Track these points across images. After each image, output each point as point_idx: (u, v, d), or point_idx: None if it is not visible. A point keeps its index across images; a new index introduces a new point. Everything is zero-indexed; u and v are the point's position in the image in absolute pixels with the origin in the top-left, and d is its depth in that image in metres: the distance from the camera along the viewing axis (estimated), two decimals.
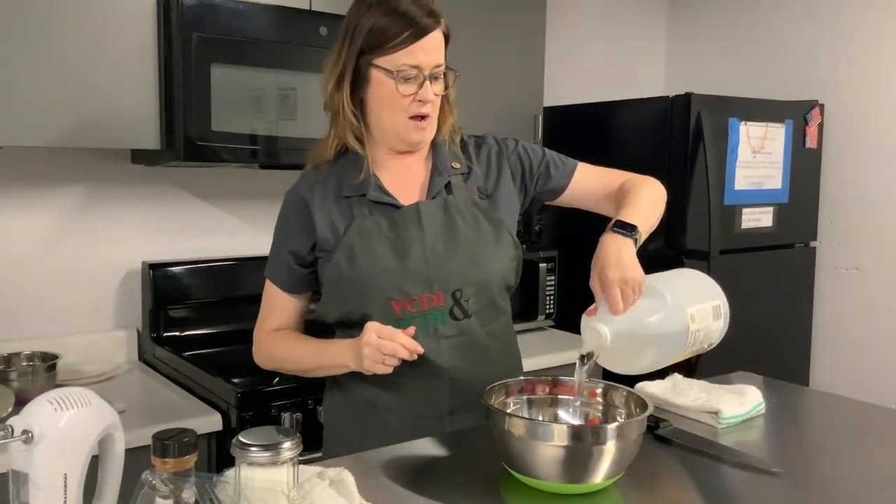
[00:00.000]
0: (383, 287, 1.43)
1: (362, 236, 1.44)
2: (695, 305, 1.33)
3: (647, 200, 1.50)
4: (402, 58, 1.38)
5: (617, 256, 1.31)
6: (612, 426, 1.13)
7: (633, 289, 1.29)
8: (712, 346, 1.40)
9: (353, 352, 1.38)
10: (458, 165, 1.53)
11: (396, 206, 1.46)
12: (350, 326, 1.48)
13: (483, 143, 1.60)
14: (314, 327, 1.58)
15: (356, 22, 1.42)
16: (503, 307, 1.55)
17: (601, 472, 1.12)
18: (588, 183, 1.61)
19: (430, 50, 1.40)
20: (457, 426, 1.45)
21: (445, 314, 1.45)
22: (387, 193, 1.47)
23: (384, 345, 1.32)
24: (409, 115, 1.42)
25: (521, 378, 1.36)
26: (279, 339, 1.55)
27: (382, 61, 1.40)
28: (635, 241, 1.38)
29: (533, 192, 1.59)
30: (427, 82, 1.40)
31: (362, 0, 1.43)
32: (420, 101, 1.41)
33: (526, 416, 1.31)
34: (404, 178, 1.51)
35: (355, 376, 1.46)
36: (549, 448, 1.11)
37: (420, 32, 1.38)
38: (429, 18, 1.39)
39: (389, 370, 1.34)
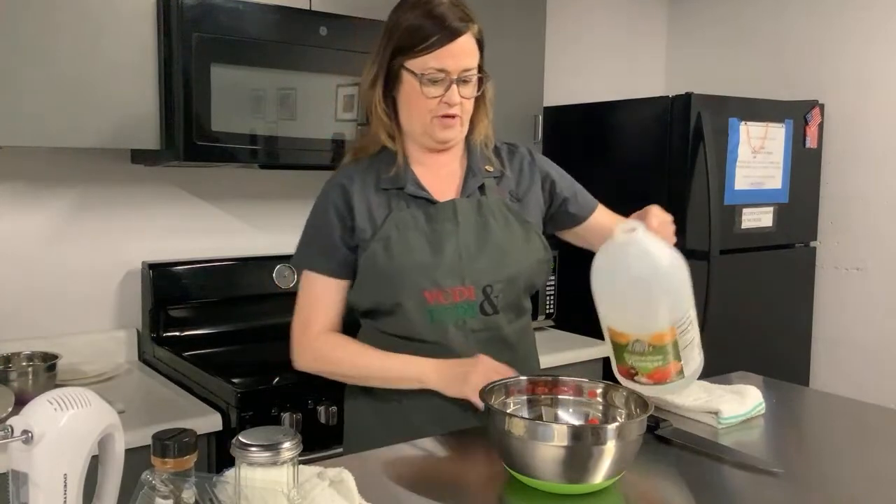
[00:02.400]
0: (417, 278, 1.46)
1: (399, 228, 1.48)
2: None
3: None
4: (429, 61, 1.42)
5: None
6: (612, 426, 1.13)
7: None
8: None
9: (438, 373, 1.43)
10: (491, 168, 1.58)
11: (432, 202, 1.51)
12: (380, 315, 1.52)
13: (516, 150, 1.65)
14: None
15: (393, 22, 1.47)
16: (526, 306, 1.61)
17: (601, 472, 1.12)
18: (606, 221, 1.67)
19: (457, 55, 1.43)
20: (479, 422, 1.45)
21: (476, 308, 1.50)
22: (423, 188, 1.52)
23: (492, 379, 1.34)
24: (435, 115, 1.47)
25: (522, 378, 1.36)
26: (339, 343, 1.53)
27: (411, 64, 1.44)
28: None
29: (554, 209, 1.65)
30: (454, 86, 1.44)
31: (404, 1, 1.48)
32: (446, 103, 1.45)
33: (526, 416, 1.31)
34: (439, 176, 1.55)
35: None
36: (550, 448, 1.11)
37: (448, 38, 1.42)
38: (460, 23, 1.43)
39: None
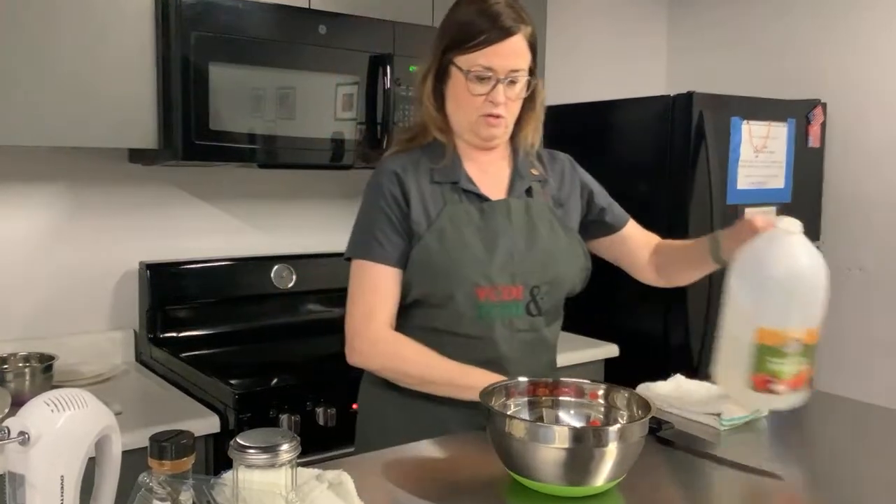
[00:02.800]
0: (471, 273, 1.47)
1: (453, 222, 1.49)
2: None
3: None
4: (477, 59, 1.44)
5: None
6: (613, 428, 1.13)
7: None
8: None
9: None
10: (536, 172, 1.60)
11: (485, 198, 1.53)
12: (428, 308, 1.51)
13: (556, 157, 1.68)
14: None
15: (449, 18, 1.50)
16: (561, 311, 1.63)
17: (603, 474, 1.11)
18: (636, 235, 1.74)
19: (506, 55, 1.44)
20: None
21: (522, 308, 1.52)
22: (475, 185, 1.54)
23: None
24: (480, 113, 1.48)
25: (522, 379, 1.35)
26: (409, 341, 1.49)
27: (460, 60, 1.46)
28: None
29: (591, 218, 1.68)
30: (500, 85, 1.45)
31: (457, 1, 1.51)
32: (491, 102, 1.46)
33: (527, 418, 1.30)
34: (487, 175, 1.57)
35: None
36: (550, 450, 1.10)
37: (498, 37, 1.42)
38: (512, 24, 1.43)
39: None
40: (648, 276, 1.73)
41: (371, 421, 1.62)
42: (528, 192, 1.57)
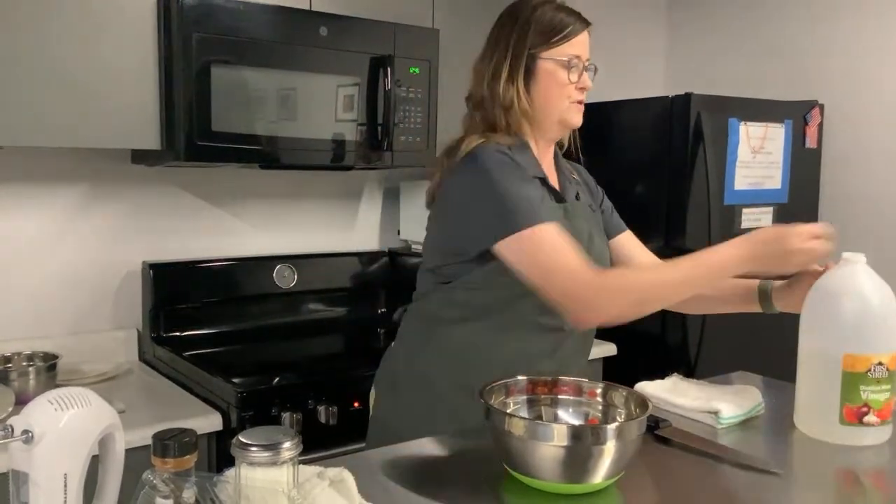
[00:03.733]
0: None
1: (552, 217, 1.49)
2: None
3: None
4: (569, 48, 1.55)
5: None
6: (611, 426, 1.13)
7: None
8: None
9: (754, 259, 1.47)
10: (576, 177, 1.71)
11: (562, 199, 1.59)
12: (509, 299, 1.51)
13: (577, 165, 1.77)
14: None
15: (523, 20, 1.56)
16: None
17: (601, 472, 1.12)
18: (629, 245, 1.76)
19: (584, 44, 1.58)
20: None
21: None
22: (552, 186, 1.59)
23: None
24: (571, 100, 1.58)
25: (521, 378, 1.36)
26: (629, 270, 1.59)
27: (553, 53, 1.54)
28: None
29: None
30: (585, 72, 1.58)
31: (526, 1, 1.58)
32: (581, 88, 1.57)
33: (525, 416, 1.31)
34: (552, 175, 1.63)
35: (468, 355, 1.53)
36: (549, 448, 1.11)
37: (582, 26, 1.57)
38: (583, 19, 1.58)
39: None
40: None
41: (401, 415, 1.60)
42: (577, 196, 1.65)
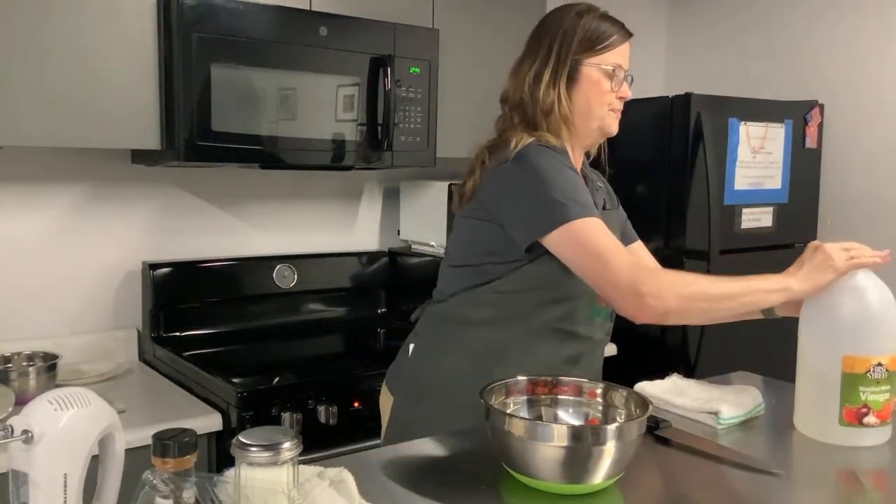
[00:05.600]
0: None
1: None
2: None
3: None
4: (612, 57, 1.57)
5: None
6: (611, 427, 1.13)
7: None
8: None
9: (798, 277, 1.41)
10: (601, 185, 1.74)
11: (602, 207, 1.63)
12: (540, 303, 1.52)
13: (599, 174, 1.80)
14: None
15: (568, 27, 1.57)
16: None
17: (601, 472, 1.12)
18: (644, 253, 1.78)
19: (627, 54, 1.60)
20: None
21: (608, 313, 1.61)
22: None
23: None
24: (610, 108, 1.60)
25: (521, 378, 1.36)
26: (680, 272, 1.51)
27: (597, 60, 1.56)
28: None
29: None
30: (625, 81, 1.60)
31: (569, 8, 1.59)
32: (621, 97, 1.59)
33: (525, 416, 1.31)
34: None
35: (495, 359, 1.53)
36: (549, 448, 1.11)
37: (625, 36, 1.59)
38: (626, 28, 1.60)
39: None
40: None
41: (404, 427, 1.59)
42: (604, 205, 1.67)
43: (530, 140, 1.51)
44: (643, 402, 1.23)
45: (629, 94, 1.60)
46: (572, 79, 1.57)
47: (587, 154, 1.70)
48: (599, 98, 1.58)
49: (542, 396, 1.34)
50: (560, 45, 1.56)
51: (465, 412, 1.46)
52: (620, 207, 1.80)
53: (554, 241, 1.43)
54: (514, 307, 1.53)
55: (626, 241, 1.71)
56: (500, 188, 1.51)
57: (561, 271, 1.47)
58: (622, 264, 1.39)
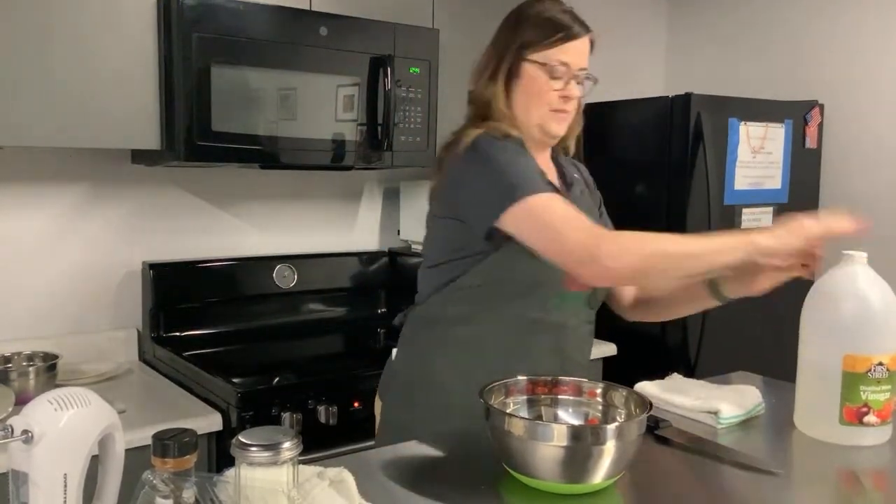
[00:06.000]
0: None
1: None
2: None
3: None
4: (555, 54, 1.51)
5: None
6: (611, 426, 1.13)
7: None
8: None
9: (764, 234, 1.40)
10: (577, 176, 1.68)
11: (562, 193, 1.54)
12: (512, 291, 1.50)
13: (579, 164, 1.74)
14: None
15: (520, 18, 1.55)
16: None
17: (601, 472, 1.12)
18: None
19: (578, 52, 1.53)
20: None
21: (585, 300, 1.59)
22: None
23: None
24: (551, 108, 1.53)
25: (521, 378, 1.36)
26: (638, 233, 1.38)
27: (538, 56, 1.51)
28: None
29: None
30: (572, 81, 1.53)
31: (528, 3, 1.56)
32: (564, 97, 1.53)
33: (525, 416, 1.31)
34: (549, 172, 1.60)
35: (476, 354, 1.53)
36: (549, 448, 1.11)
37: (576, 33, 1.52)
38: (582, 27, 1.54)
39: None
40: (622, 304, 1.73)
41: (408, 414, 1.60)
42: (581, 192, 1.64)
43: (477, 132, 1.50)
44: (643, 401, 1.23)
45: (575, 94, 1.54)
46: (514, 74, 1.54)
47: (565, 150, 1.67)
48: (539, 96, 1.53)
49: (542, 396, 1.34)
50: (506, 37, 1.55)
51: (451, 412, 1.48)
52: (599, 199, 1.76)
53: (510, 221, 1.40)
54: (484, 301, 1.53)
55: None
56: (452, 182, 1.52)
57: (522, 258, 1.44)
58: (579, 230, 1.36)
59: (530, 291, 1.50)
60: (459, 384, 1.51)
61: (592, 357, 2.63)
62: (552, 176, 1.61)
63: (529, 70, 1.52)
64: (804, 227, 1.36)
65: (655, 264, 1.38)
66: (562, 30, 1.51)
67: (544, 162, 1.62)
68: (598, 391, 1.33)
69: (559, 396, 1.35)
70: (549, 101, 1.52)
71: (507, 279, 1.49)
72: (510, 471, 1.19)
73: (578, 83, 1.54)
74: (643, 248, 1.36)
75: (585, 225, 1.38)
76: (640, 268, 1.36)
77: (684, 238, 1.41)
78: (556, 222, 1.38)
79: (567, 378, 1.35)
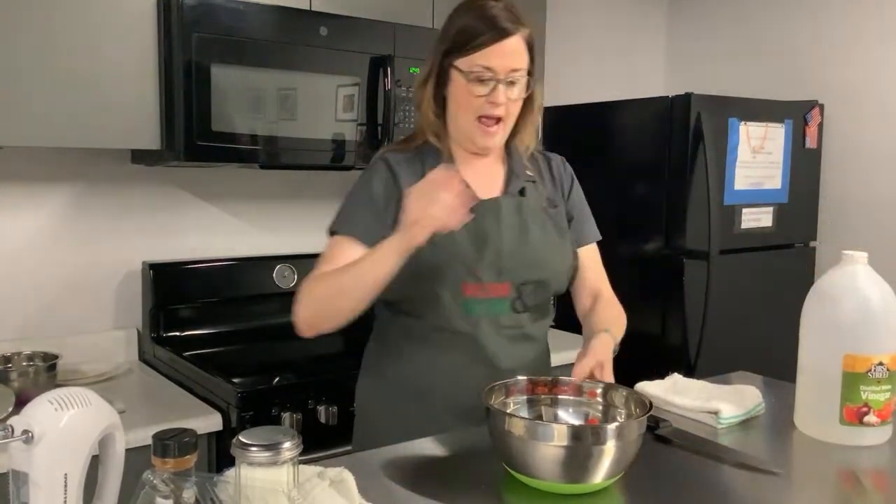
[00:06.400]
0: (458, 271, 1.49)
1: None
2: None
3: (621, 323, 1.63)
4: (477, 59, 1.44)
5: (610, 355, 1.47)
6: (612, 426, 1.14)
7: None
8: None
9: (396, 234, 1.36)
10: (531, 173, 1.61)
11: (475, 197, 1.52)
12: (413, 305, 1.53)
13: (552, 159, 1.68)
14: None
15: (448, 23, 1.51)
16: (551, 309, 1.65)
17: (601, 472, 1.13)
18: (591, 263, 1.68)
19: (506, 55, 1.44)
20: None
21: (507, 305, 1.53)
22: (467, 185, 1.50)
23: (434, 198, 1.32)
24: (478, 115, 1.48)
25: (521, 378, 1.36)
26: (320, 278, 1.45)
27: (460, 62, 1.46)
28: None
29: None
30: (500, 86, 1.45)
31: (460, 4, 1.50)
32: (491, 103, 1.46)
33: (526, 416, 1.31)
34: (483, 177, 1.57)
35: (407, 366, 1.54)
36: (549, 448, 1.12)
37: (496, 37, 1.43)
38: (509, 24, 1.45)
39: (454, 221, 1.33)
40: (579, 309, 1.69)
41: (367, 421, 1.63)
42: (522, 192, 1.57)
43: (384, 148, 1.58)
44: (643, 401, 1.24)
45: (501, 101, 1.45)
46: (443, 81, 1.50)
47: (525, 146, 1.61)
48: (466, 103, 1.47)
49: (542, 396, 1.35)
50: (436, 44, 1.51)
51: (392, 408, 1.54)
52: (575, 203, 1.67)
53: None
54: (395, 312, 1.57)
55: (578, 241, 1.65)
56: None
57: (409, 270, 1.40)
58: (306, 281, 1.44)
59: (431, 302, 1.50)
60: (388, 386, 1.55)
61: None
62: (495, 178, 1.57)
63: (454, 77, 1.47)
64: (408, 218, 1.34)
65: (320, 308, 1.44)
66: (482, 34, 1.43)
67: (487, 164, 1.58)
68: (599, 391, 1.34)
69: (559, 396, 1.35)
70: (476, 107, 1.47)
71: (404, 291, 1.48)
72: (510, 471, 1.19)
73: (512, 84, 1.46)
74: (303, 298, 1.43)
75: (314, 274, 1.45)
76: (310, 317, 1.44)
77: (339, 271, 1.42)
78: (315, 267, 1.46)
79: (567, 378, 1.36)
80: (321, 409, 2.03)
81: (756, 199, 2.91)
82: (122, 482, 0.99)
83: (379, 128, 2.35)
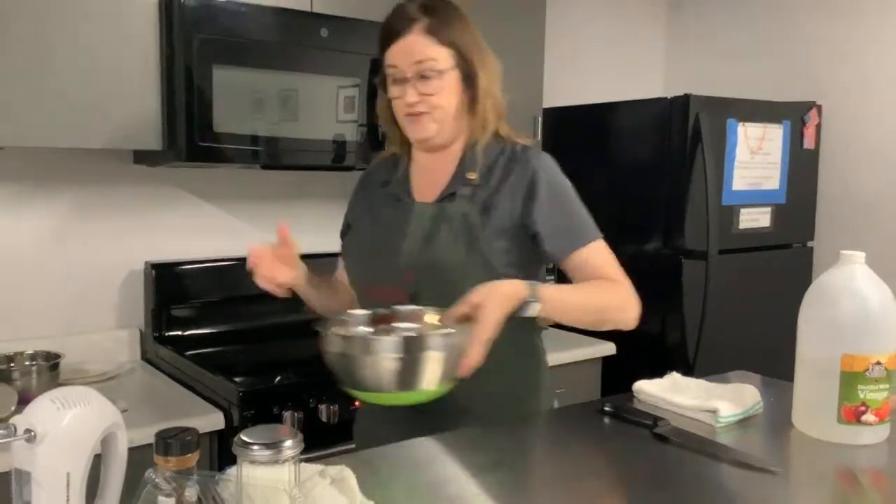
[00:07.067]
0: (363, 273, 1.59)
1: (359, 223, 1.64)
2: None
3: (593, 294, 1.47)
4: (387, 60, 1.48)
5: (499, 298, 1.30)
6: (432, 334, 1.24)
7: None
8: None
9: None
10: (472, 176, 1.50)
11: (402, 202, 1.56)
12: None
13: (518, 163, 1.51)
14: None
15: None
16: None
17: (430, 377, 1.21)
18: (582, 270, 1.50)
19: (404, 51, 1.44)
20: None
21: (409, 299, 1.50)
22: (405, 189, 1.57)
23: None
24: (404, 113, 1.49)
25: (361, 312, 1.43)
26: None
27: (384, 67, 1.50)
28: (525, 305, 1.34)
29: (528, 239, 1.51)
30: (409, 82, 1.45)
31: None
32: (407, 102, 1.46)
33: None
34: (429, 178, 1.57)
35: None
36: (378, 360, 1.20)
37: (392, 35, 1.45)
38: (404, 21, 1.44)
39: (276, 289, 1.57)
40: None
41: (368, 420, 1.66)
42: (452, 196, 1.50)
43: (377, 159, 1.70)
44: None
45: (411, 98, 1.44)
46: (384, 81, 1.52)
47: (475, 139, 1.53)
48: (394, 105, 1.50)
49: (381, 327, 1.38)
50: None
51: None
52: (539, 217, 1.48)
53: None
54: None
55: (554, 255, 1.50)
56: None
57: (349, 261, 1.63)
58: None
59: (363, 303, 1.57)
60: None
61: (591, 357, 2.66)
62: (439, 181, 1.53)
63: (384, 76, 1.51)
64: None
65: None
66: (383, 35, 1.47)
67: (439, 164, 1.54)
68: (437, 319, 1.36)
69: (397, 325, 1.38)
70: (399, 107, 1.48)
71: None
72: (352, 392, 1.27)
73: (425, 78, 1.43)
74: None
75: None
76: None
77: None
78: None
79: (407, 308, 1.39)
80: (322, 407, 2.04)
81: (754, 199, 2.92)
82: (125, 481, 0.99)
83: (379, 129, 2.35)
